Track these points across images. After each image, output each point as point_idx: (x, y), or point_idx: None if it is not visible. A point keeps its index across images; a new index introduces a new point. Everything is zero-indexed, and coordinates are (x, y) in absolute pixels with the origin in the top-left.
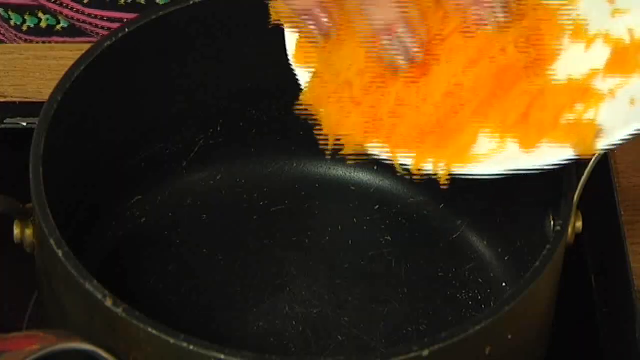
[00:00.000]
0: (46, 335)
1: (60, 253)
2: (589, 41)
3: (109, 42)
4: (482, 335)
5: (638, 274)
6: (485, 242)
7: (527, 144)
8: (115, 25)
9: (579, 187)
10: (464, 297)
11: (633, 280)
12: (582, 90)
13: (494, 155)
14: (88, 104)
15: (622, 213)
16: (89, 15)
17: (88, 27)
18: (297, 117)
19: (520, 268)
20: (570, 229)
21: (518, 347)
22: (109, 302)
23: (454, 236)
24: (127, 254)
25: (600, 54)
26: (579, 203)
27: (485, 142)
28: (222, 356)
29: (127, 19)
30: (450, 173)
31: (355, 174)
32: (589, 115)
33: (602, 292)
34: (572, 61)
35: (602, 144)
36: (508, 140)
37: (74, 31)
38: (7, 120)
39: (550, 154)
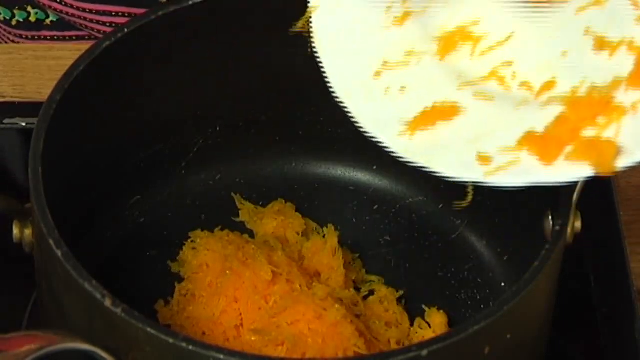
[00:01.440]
0: (46, 335)
1: (59, 253)
2: (613, 49)
3: (108, 43)
4: (481, 335)
5: (638, 274)
6: (484, 242)
7: (547, 158)
8: (104, 19)
9: (578, 187)
10: (463, 297)
11: (633, 280)
12: (603, 103)
13: (512, 167)
14: (87, 104)
15: (621, 213)
16: (77, 8)
17: (77, 20)
18: (296, 117)
19: (520, 268)
20: (569, 229)
21: (517, 347)
22: (108, 302)
23: (453, 236)
24: (127, 254)
25: (624, 62)
26: (578, 203)
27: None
28: (222, 356)
29: (116, 12)
30: (467, 181)
31: (354, 174)
32: (610, 130)
33: (602, 292)
34: (595, 69)
35: (622, 163)
36: (525, 152)
37: (63, 25)
38: (7, 121)
39: (569, 170)
